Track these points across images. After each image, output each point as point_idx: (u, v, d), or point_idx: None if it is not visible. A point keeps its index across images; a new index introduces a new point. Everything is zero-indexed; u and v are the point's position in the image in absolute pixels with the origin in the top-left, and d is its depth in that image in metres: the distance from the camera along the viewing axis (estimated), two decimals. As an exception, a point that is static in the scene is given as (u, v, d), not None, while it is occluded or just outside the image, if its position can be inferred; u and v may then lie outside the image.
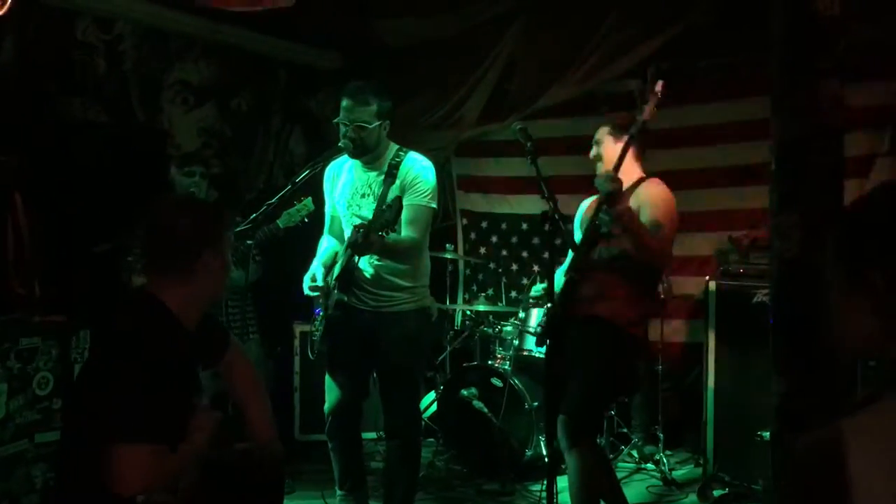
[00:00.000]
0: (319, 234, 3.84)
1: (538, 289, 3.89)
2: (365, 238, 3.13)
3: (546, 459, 4.39)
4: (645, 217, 3.29)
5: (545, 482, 3.17)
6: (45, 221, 4.15)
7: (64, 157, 4.52)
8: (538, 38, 5.50)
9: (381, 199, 3.38)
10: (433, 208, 3.49)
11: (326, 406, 3.59)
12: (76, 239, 4.46)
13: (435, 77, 5.91)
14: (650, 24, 4.97)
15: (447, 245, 5.48)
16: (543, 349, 4.62)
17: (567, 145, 5.79)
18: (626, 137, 3.39)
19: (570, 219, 3.66)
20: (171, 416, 2.07)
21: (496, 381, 4.72)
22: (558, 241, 3.35)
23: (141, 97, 5.28)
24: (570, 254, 3.52)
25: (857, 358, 1.18)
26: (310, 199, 4.17)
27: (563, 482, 3.42)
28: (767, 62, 2.66)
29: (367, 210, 3.44)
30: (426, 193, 3.43)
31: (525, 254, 6.28)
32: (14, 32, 4.56)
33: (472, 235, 6.55)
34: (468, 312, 5.71)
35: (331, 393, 3.58)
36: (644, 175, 3.50)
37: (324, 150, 3.67)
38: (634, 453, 4.91)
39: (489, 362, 4.99)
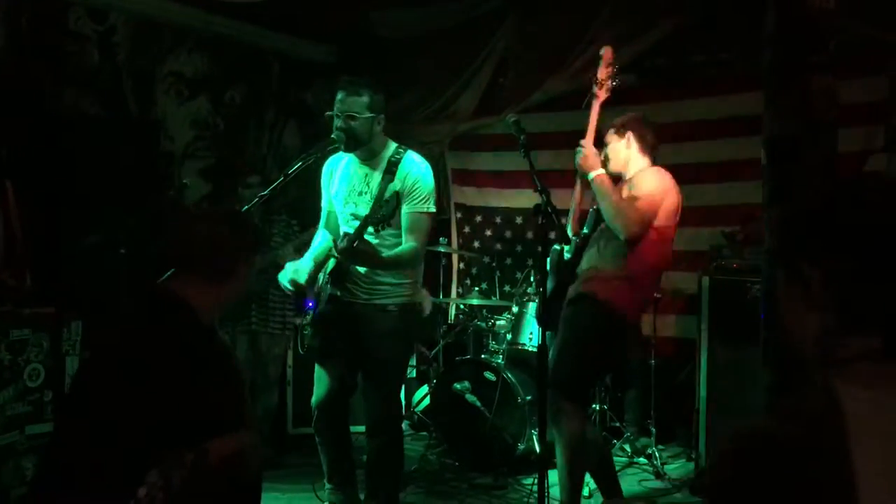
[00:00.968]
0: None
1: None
2: (350, 245, 3.14)
3: (538, 453, 4.40)
4: (625, 193, 3.38)
5: (537, 476, 3.18)
6: (37, 213, 4.13)
7: (56, 148, 4.50)
8: (532, 32, 5.50)
9: (379, 196, 3.36)
10: (433, 212, 3.47)
11: (314, 400, 3.58)
12: (67, 231, 4.45)
13: (430, 70, 5.91)
14: (644, 19, 4.96)
15: (441, 239, 5.47)
16: (536, 343, 4.66)
17: (561, 140, 5.79)
18: (628, 134, 3.48)
19: (564, 212, 3.65)
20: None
21: (489, 375, 4.72)
22: (552, 235, 3.36)
23: (134, 89, 5.27)
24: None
25: (805, 352, 1.19)
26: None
27: (554, 476, 3.43)
28: (760, 58, 2.66)
29: (364, 208, 3.42)
30: (425, 198, 3.41)
31: (519, 248, 6.27)
32: (7, 23, 4.54)
33: (466, 229, 6.54)
34: (462, 306, 5.70)
35: (319, 386, 3.56)
36: (648, 166, 3.50)
37: (317, 143, 3.68)
38: (627, 447, 4.92)
39: (482, 356, 4.99)
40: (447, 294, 6.21)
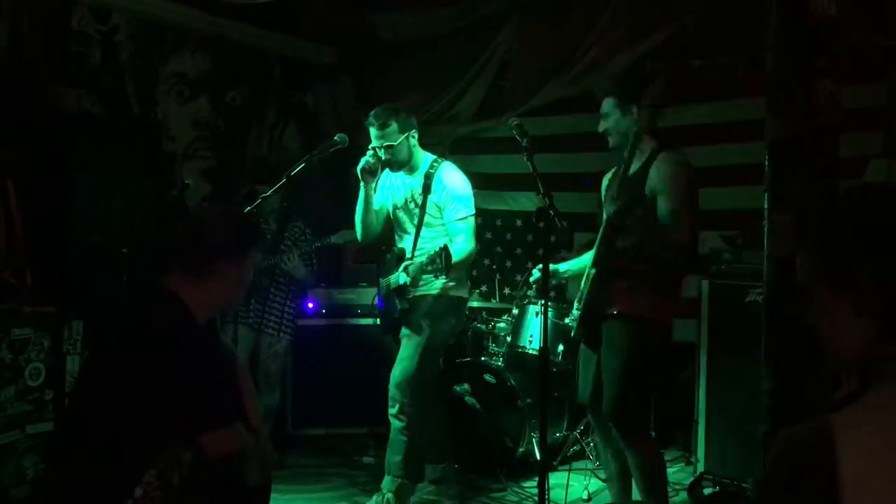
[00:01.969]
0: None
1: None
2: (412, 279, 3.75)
3: (538, 456, 4.40)
4: (662, 209, 3.23)
5: (538, 479, 3.18)
6: (38, 212, 4.14)
7: (57, 148, 4.50)
8: (534, 35, 5.50)
9: (422, 214, 3.87)
10: (471, 214, 3.89)
11: None
12: (68, 230, 4.45)
13: (431, 73, 5.91)
14: (645, 23, 4.97)
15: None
16: (536, 346, 4.66)
17: (562, 143, 5.80)
18: (634, 109, 3.33)
19: (566, 216, 3.65)
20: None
21: (489, 377, 4.72)
22: (553, 238, 3.35)
23: (136, 89, 5.27)
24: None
25: (845, 360, 1.19)
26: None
27: (554, 479, 3.44)
28: (763, 62, 2.66)
29: (410, 226, 3.95)
30: (461, 205, 3.85)
31: (519, 250, 6.28)
32: (9, 22, 4.54)
33: (467, 231, 6.53)
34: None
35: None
36: (658, 145, 3.37)
37: (318, 145, 3.72)
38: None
39: (482, 358, 4.99)
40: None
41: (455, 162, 6.54)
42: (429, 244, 3.84)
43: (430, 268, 3.61)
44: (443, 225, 3.88)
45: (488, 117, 5.84)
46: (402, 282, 3.74)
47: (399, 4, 5.62)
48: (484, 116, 5.88)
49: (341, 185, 5.45)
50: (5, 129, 4.12)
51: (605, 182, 3.66)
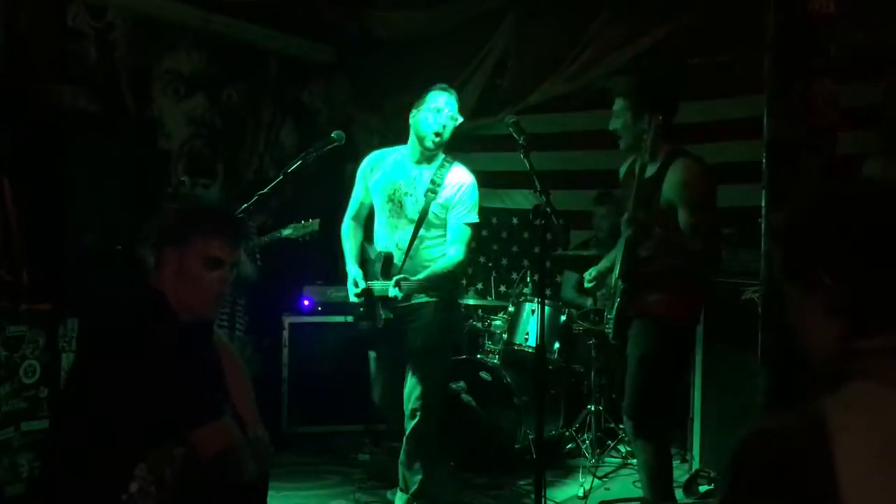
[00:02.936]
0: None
1: (591, 273, 3.83)
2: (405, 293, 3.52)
3: (534, 453, 4.40)
4: (683, 219, 3.24)
5: (534, 476, 3.18)
6: (33, 210, 4.12)
7: (53, 145, 4.49)
8: (530, 33, 5.50)
9: (425, 210, 3.61)
10: (476, 222, 3.72)
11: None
12: (64, 228, 4.44)
13: (427, 71, 5.90)
14: (642, 22, 4.97)
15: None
16: (533, 343, 4.67)
17: (559, 141, 5.80)
18: (647, 116, 3.32)
19: (562, 214, 3.65)
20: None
21: (485, 375, 4.72)
22: (549, 236, 3.35)
23: (131, 86, 5.25)
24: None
25: (821, 357, 1.20)
26: (318, 221, 4.30)
27: (551, 476, 3.44)
28: (760, 61, 2.67)
29: (405, 220, 3.66)
30: (473, 209, 3.68)
31: (515, 248, 6.28)
32: (5, 19, 4.53)
33: (463, 229, 6.54)
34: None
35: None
36: (672, 150, 3.37)
37: (314, 142, 3.70)
38: (622, 448, 4.93)
39: (478, 356, 5.00)
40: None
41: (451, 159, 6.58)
42: (426, 252, 3.68)
43: (426, 289, 3.55)
44: (443, 226, 3.68)
45: (485, 115, 5.83)
46: (391, 295, 3.51)
47: (395, 2, 5.61)
48: (481, 114, 5.88)
49: (337, 182, 5.45)
50: (1, 126, 4.11)
51: (622, 170, 3.67)
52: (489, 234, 6.41)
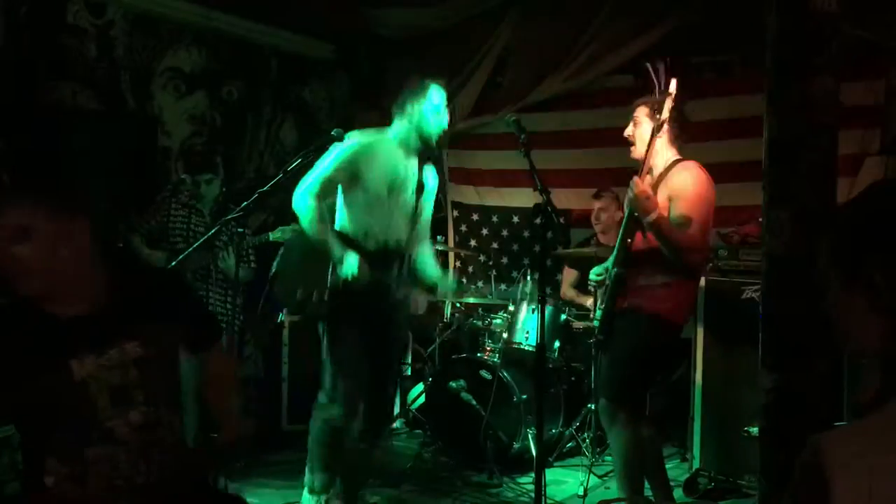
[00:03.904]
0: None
1: (597, 271, 3.81)
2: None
3: (534, 452, 4.40)
4: (674, 211, 3.31)
5: (534, 475, 3.18)
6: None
7: (52, 142, 4.48)
8: (531, 31, 5.50)
9: (417, 205, 3.65)
10: None
11: None
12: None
13: (428, 69, 5.88)
14: (643, 20, 4.96)
15: (438, 237, 5.47)
16: (533, 342, 4.66)
17: (558, 139, 5.79)
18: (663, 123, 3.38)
19: (562, 212, 3.65)
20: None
21: (485, 374, 4.72)
22: (550, 235, 3.36)
23: (132, 83, 5.25)
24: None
25: (863, 357, 1.18)
26: None
27: (551, 475, 3.44)
28: (761, 59, 2.66)
29: (400, 214, 3.63)
30: (432, 206, 3.84)
31: (515, 247, 6.28)
32: (4, 16, 4.52)
33: (463, 227, 6.54)
34: (458, 304, 5.70)
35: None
36: (679, 158, 3.46)
37: (315, 140, 3.69)
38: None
39: (478, 355, 4.99)
40: (443, 292, 6.21)
41: (452, 158, 6.60)
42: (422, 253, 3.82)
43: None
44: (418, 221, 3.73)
45: (485, 113, 5.83)
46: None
47: (396, 1, 5.60)
48: (480, 112, 5.88)
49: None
50: (1, 122, 4.10)
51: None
52: (489, 232, 6.41)
